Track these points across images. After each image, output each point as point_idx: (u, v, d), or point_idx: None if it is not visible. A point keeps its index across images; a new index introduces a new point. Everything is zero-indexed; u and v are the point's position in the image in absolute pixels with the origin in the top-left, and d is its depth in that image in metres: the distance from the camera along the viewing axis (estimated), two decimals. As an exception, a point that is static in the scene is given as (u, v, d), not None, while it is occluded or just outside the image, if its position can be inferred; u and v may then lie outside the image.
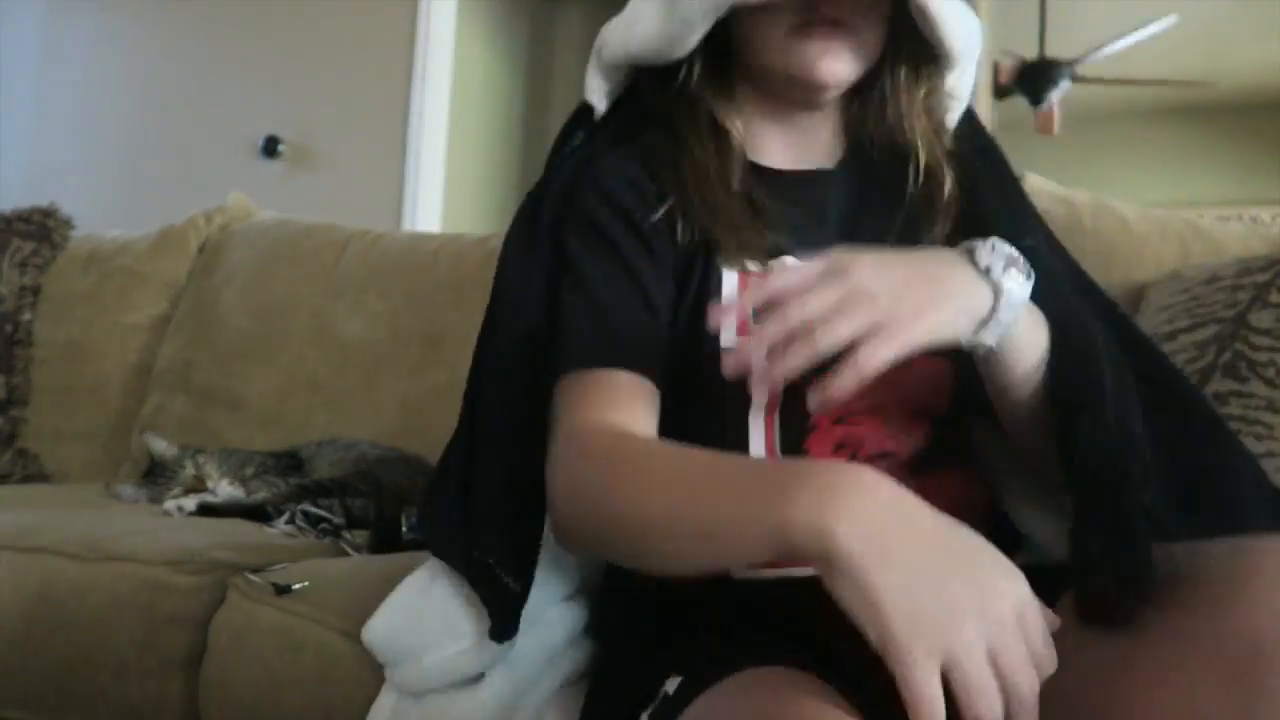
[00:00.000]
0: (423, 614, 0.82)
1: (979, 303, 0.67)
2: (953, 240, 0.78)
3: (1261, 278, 1.07)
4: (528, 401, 0.80)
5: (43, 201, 2.06)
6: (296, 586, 1.02)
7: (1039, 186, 1.39)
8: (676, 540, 0.65)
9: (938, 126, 0.86)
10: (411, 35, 3.20)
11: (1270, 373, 0.98)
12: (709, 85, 0.84)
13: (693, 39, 0.80)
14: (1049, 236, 0.89)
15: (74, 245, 2.02)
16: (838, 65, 0.79)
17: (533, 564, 0.79)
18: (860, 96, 0.85)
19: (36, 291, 1.94)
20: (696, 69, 0.84)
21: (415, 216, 3.17)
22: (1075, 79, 4.36)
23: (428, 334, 1.72)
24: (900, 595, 0.53)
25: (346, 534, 1.28)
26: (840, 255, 0.64)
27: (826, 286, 0.62)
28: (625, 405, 0.75)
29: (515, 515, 0.79)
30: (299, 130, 3.27)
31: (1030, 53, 4.32)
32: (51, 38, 3.59)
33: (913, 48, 0.83)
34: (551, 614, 0.85)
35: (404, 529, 1.23)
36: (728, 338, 0.77)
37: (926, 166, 0.84)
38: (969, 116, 0.90)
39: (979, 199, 0.84)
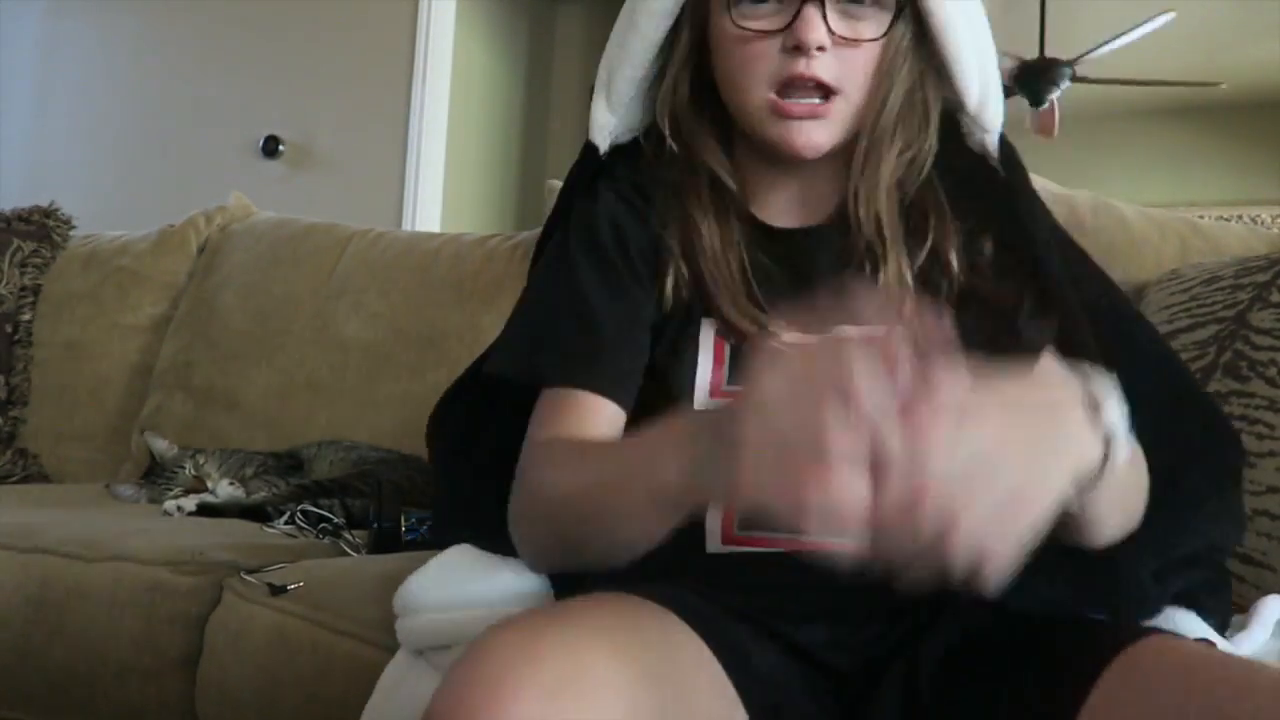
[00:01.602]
0: (481, 583, 0.80)
1: (1089, 462, 0.55)
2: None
3: (1261, 278, 1.07)
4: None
5: (43, 201, 2.06)
6: (291, 586, 1.02)
7: (1039, 186, 1.38)
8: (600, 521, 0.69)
9: (914, 177, 0.83)
10: (411, 35, 3.20)
11: (1271, 372, 0.98)
12: (709, 146, 0.83)
13: (648, 46, 0.81)
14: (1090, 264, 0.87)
15: (74, 245, 2.02)
16: (815, 136, 0.77)
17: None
18: (845, 155, 0.82)
19: (36, 291, 1.94)
20: (698, 132, 0.83)
21: (415, 216, 3.17)
22: (1075, 79, 4.36)
23: (428, 334, 1.72)
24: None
25: (346, 534, 1.28)
26: (963, 398, 0.49)
27: (949, 455, 0.47)
28: (589, 425, 0.77)
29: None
30: (299, 130, 3.27)
31: (1030, 53, 4.32)
32: (51, 38, 3.59)
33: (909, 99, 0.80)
34: None
35: (404, 529, 1.23)
36: (700, 399, 0.78)
37: (912, 206, 0.82)
38: (1004, 147, 0.88)
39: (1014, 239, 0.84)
